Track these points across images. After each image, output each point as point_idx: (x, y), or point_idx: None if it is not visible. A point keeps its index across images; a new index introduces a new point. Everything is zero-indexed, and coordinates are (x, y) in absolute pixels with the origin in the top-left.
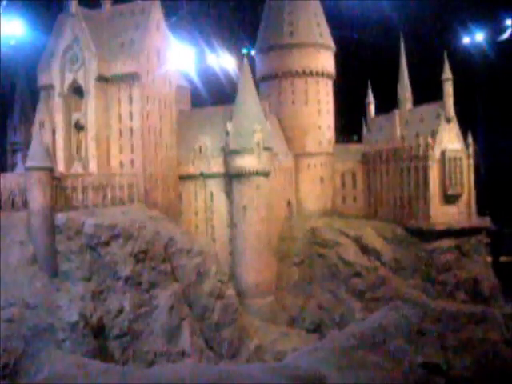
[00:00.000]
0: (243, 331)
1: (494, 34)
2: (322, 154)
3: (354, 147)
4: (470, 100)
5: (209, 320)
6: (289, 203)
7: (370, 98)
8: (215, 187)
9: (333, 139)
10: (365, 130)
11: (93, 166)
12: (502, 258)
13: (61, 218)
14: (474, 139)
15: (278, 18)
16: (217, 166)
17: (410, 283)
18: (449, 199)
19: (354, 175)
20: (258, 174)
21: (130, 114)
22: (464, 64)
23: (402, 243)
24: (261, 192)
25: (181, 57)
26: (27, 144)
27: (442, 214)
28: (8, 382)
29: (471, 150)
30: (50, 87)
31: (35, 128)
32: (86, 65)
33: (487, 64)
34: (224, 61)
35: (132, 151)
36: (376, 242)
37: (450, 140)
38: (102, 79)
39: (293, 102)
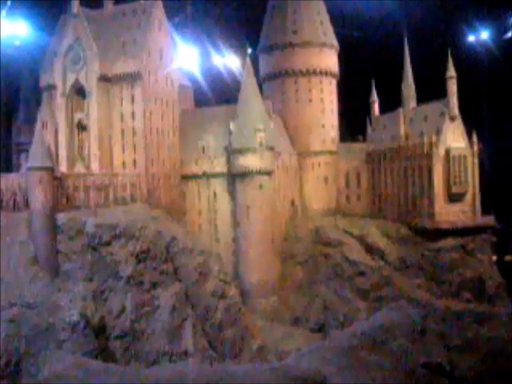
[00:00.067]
0: (246, 331)
1: (499, 32)
2: (326, 153)
3: (358, 146)
4: (474, 98)
5: (211, 320)
6: (293, 202)
7: (374, 96)
8: (218, 187)
9: (337, 138)
10: (369, 128)
11: (95, 166)
12: (507, 257)
13: (62, 217)
14: (479, 137)
15: (281, 17)
16: (220, 166)
17: (414, 282)
18: (453, 198)
19: (358, 174)
20: (260, 173)
21: (132, 113)
22: (469, 62)
23: (406, 242)
24: (264, 191)
25: (184, 56)
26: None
27: (447, 213)
28: (9, 381)
29: (476, 148)
30: (52, 87)
31: (37, 128)
32: (88, 65)
33: (492, 62)
34: (228, 60)
35: (134, 151)
36: (380, 242)
37: (455, 138)
38: (104, 79)
39: (296, 101)
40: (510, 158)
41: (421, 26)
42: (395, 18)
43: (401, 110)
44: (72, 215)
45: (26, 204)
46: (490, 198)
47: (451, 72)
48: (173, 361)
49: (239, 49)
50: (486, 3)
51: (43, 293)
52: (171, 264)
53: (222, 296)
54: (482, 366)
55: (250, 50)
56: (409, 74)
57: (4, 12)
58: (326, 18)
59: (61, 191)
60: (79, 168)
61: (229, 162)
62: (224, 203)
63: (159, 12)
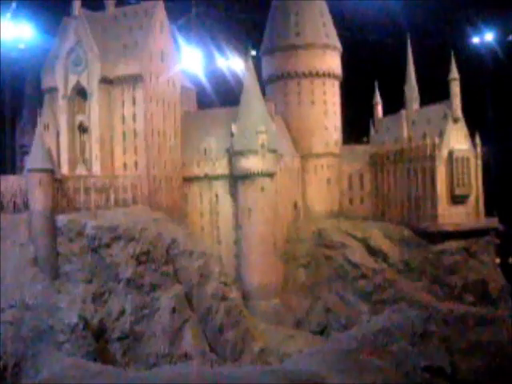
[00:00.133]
0: (247, 333)
1: (503, 34)
2: (328, 155)
3: (361, 148)
4: (478, 100)
5: (212, 322)
6: (295, 205)
7: (378, 98)
8: (220, 189)
9: (340, 140)
10: (372, 130)
11: (96, 168)
12: (511, 259)
13: (62, 219)
14: (482, 139)
15: (283, 19)
16: (222, 168)
17: (417, 285)
18: (456, 200)
19: (361, 176)
20: (262, 175)
21: (134, 115)
22: (472, 64)
23: (409, 245)
24: (266, 193)
25: (188, 58)
26: None
27: (450, 215)
28: (8, 383)
29: (479, 150)
30: (54, 90)
31: (37, 130)
32: (89, 67)
33: (496, 64)
34: (232, 62)
35: (136, 153)
36: (383, 244)
37: (458, 140)
38: (105, 81)
39: (299, 103)
40: None
41: (424, 27)
42: (398, 20)
43: (404, 111)
44: (72, 217)
45: (26, 206)
46: (493, 200)
47: (454, 74)
48: (173, 363)
49: (243, 51)
50: (489, 4)
51: (43, 294)
52: (172, 266)
53: (223, 298)
54: (484, 369)
55: (253, 52)
56: (412, 75)
57: (9, 15)
58: (328, 19)
59: (61, 193)
60: (81, 170)
61: (231, 164)
62: (226, 205)
63: (161, 14)
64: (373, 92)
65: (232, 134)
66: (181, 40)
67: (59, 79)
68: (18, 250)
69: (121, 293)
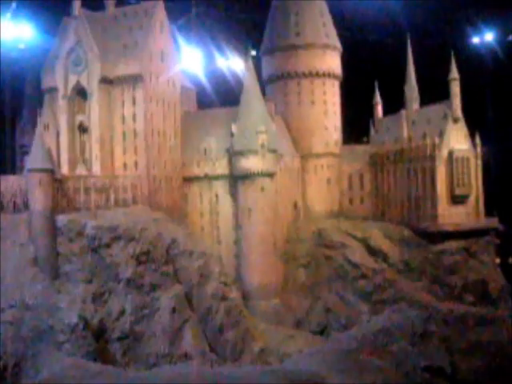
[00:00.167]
0: (247, 333)
1: (503, 34)
2: (328, 155)
3: (361, 148)
4: (478, 100)
5: (212, 322)
6: (295, 205)
7: (378, 98)
8: (220, 189)
9: (340, 140)
10: (372, 130)
11: (96, 168)
12: (511, 260)
13: (62, 219)
14: (482, 139)
15: (283, 19)
16: (222, 168)
17: (417, 285)
18: (456, 200)
19: (361, 176)
20: (262, 175)
21: (134, 115)
22: (473, 64)
23: (409, 245)
24: (266, 193)
25: (188, 58)
26: None
27: (450, 215)
28: (8, 383)
29: (479, 150)
30: (54, 90)
31: (37, 130)
32: (89, 67)
33: (496, 63)
34: (232, 62)
35: (136, 153)
36: (383, 244)
37: (458, 140)
38: (105, 81)
39: (299, 103)
40: None
41: (424, 27)
42: (398, 20)
43: (404, 111)
44: (72, 217)
45: (26, 206)
46: (493, 200)
47: (454, 73)
48: (173, 363)
49: (243, 51)
50: (489, 4)
51: (43, 294)
52: (172, 266)
53: (223, 298)
54: (484, 369)
55: (253, 52)
56: (412, 75)
57: (9, 15)
58: (328, 19)
59: (61, 193)
60: (81, 170)
61: (231, 164)
62: (226, 205)
63: (161, 14)
64: (373, 92)
65: (232, 134)
66: (181, 40)
67: (59, 79)
68: (18, 250)
69: (121, 293)
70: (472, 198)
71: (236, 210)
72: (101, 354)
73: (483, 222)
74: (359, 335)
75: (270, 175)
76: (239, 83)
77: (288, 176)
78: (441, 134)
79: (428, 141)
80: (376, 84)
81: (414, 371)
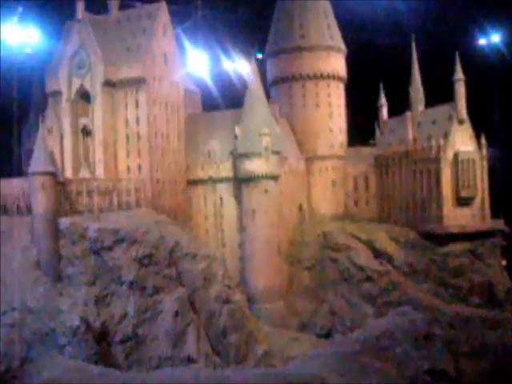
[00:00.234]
0: (251, 336)
1: (509, 35)
2: (333, 157)
3: (366, 150)
4: (484, 101)
5: (215, 325)
6: (300, 207)
7: (383, 100)
8: (224, 191)
9: (345, 142)
10: (377, 132)
11: (100, 171)
12: None
13: (64, 222)
14: (488, 141)
15: (288, 21)
16: (226, 170)
17: (422, 287)
18: (462, 202)
19: (366, 178)
20: (266, 177)
21: (137, 118)
22: (478, 65)
23: (414, 247)
24: (270, 196)
25: (194, 61)
26: None
27: (455, 217)
28: None
29: (484, 151)
30: (57, 93)
31: (40, 133)
32: (92, 70)
33: (502, 65)
34: (238, 65)
35: (139, 156)
36: (388, 246)
37: (463, 142)
38: (108, 84)
39: (304, 106)
40: None
41: (429, 28)
42: (403, 21)
43: (409, 113)
44: (75, 220)
45: (29, 209)
46: (499, 202)
47: (459, 74)
48: (175, 366)
49: (248, 53)
50: (495, 6)
51: (45, 297)
52: (174, 269)
53: (226, 301)
54: (489, 373)
55: (258, 55)
56: (417, 77)
57: (15, 19)
58: (333, 21)
59: (64, 196)
60: (84, 173)
61: (235, 166)
62: (230, 208)
63: (164, 17)
64: (378, 94)
65: (235, 137)
66: (186, 43)
67: (63, 82)
68: (21, 253)
69: (123, 295)
70: (478, 200)
71: (240, 212)
72: (103, 357)
73: (489, 223)
74: (362, 338)
75: (274, 177)
76: (245, 86)
77: (293, 178)
78: (446, 136)
79: (433, 142)
80: (381, 86)
81: (417, 374)
